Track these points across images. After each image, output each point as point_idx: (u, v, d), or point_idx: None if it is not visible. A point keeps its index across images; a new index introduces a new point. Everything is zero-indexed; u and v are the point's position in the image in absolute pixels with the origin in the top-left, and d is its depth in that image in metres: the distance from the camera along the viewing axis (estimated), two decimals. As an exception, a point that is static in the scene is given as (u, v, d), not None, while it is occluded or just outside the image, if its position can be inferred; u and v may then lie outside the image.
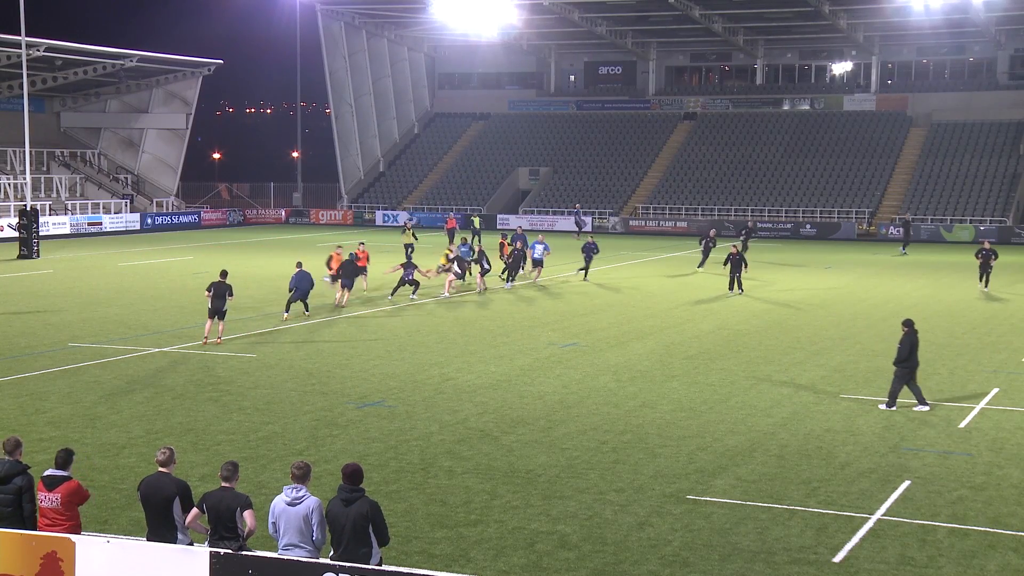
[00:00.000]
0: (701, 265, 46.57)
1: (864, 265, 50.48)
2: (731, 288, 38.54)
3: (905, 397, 22.34)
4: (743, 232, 54.69)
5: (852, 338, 29.53)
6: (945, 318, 33.42)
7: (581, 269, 43.13)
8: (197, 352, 26.67)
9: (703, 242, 47.31)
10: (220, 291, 27.16)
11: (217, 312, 27.27)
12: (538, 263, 41.34)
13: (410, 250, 46.19)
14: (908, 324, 21.51)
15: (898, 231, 67.48)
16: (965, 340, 29.36)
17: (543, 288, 39.93)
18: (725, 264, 39.39)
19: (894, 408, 21.04)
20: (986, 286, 40.19)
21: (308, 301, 31.91)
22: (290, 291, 31.74)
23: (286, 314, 31.74)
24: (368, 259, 38.15)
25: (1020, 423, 20.24)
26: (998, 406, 21.47)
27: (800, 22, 75.93)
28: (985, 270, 40.38)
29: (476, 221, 59.38)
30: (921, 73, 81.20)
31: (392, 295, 36.37)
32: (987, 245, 41.08)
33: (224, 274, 27.91)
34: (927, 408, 20.97)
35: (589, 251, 42.65)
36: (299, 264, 32.39)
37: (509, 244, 42.37)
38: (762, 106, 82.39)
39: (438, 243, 55.03)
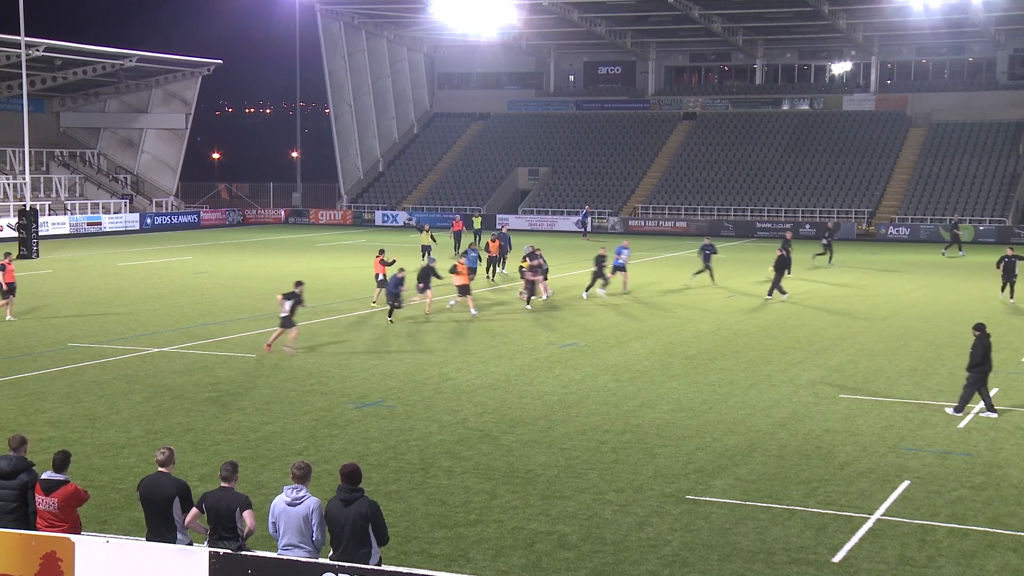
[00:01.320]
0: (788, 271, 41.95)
1: (863, 265, 50.47)
2: (776, 292, 36.82)
3: (906, 397, 22.36)
4: (826, 234, 51.52)
5: (852, 338, 29.53)
6: (944, 318, 33.41)
7: (698, 272, 41.11)
8: (197, 352, 26.67)
9: (783, 246, 41.22)
10: (293, 304, 26.43)
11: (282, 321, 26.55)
12: (620, 268, 38.91)
13: (428, 251, 45.88)
14: (980, 328, 20.98)
15: (900, 231, 67.65)
16: (965, 340, 29.26)
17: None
18: (774, 267, 37.67)
19: (960, 414, 20.56)
20: (1011, 296, 36.97)
21: (397, 304, 31.46)
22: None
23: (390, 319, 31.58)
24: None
25: (1020, 423, 20.25)
26: (998, 406, 21.44)
27: (800, 22, 75.93)
28: (1009, 279, 36.79)
29: (477, 222, 59.31)
30: (921, 73, 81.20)
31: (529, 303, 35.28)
32: (1011, 252, 37.53)
33: (298, 284, 27.15)
34: (995, 416, 20.49)
35: (707, 252, 40.87)
36: (401, 269, 32.09)
37: (493, 240, 42.94)
38: (761, 106, 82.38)
39: (446, 244, 54.96)
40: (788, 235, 47.12)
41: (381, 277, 34.63)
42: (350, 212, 79.76)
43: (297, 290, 26.73)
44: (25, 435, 12.12)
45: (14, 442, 11.90)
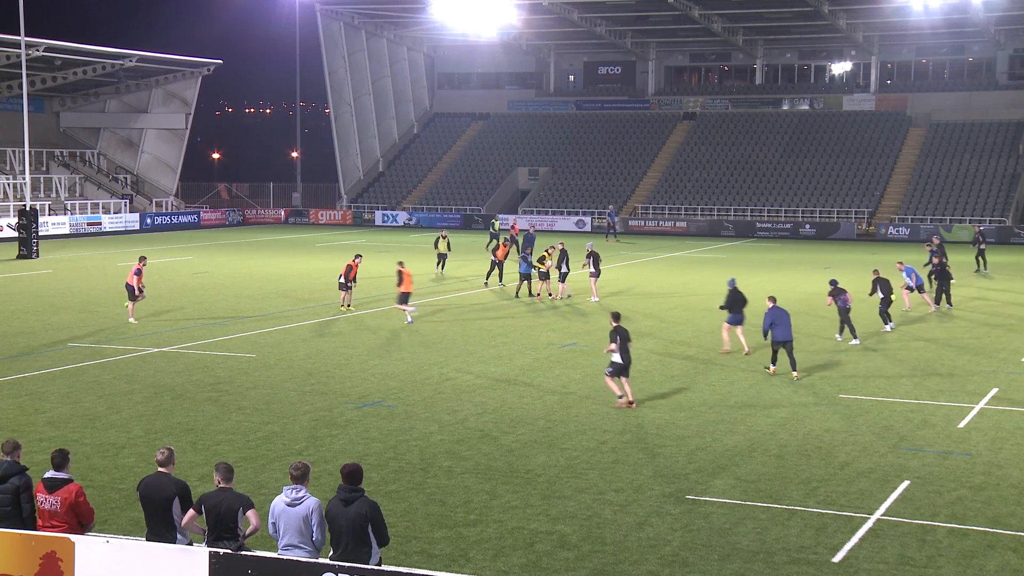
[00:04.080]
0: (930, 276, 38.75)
1: (863, 265, 50.36)
2: (937, 302, 34.47)
3: (906, 397, 22.37)
4: (978, 240, 47.80)
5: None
6: (944, 318, 33.39)
7: (942, 293, 35.13)
8: (197, 352, 26.67)
9: (931, 253, 37.49)
10: (622, 341, 21.20)
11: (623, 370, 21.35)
12: (919, 288, 33.97)
13: (443, 259, 45.07)
14: None
15: (900, 231, 67.62)
16: (965, 340, 29.34)
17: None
18: (930, 277, 35.37)
19: None
20: None
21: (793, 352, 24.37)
22: (765, 334, 24.27)
23: (771, 366, 24.63)
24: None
25: (1019, 423, 20.24)
26: (997, 406, 21.46)
27: (799, 22, 75.94)
28: None
29: (495, 225, 58.33)
30: (920, 73, 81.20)
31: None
32: None
33: (617, 316, 21.88)
34: None
35: (980, 246, 38.31)
36: (772, 299, 24.74)
37: (505, 244, 41.81)
38: (761, 106, 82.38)
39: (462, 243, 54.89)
40: (936, 239, 40.15)
41: (342, 280, 33.77)
42: (350, 212, 79.77)
43: (616, 324, 21.57)
44: (18, 440, 12.06)
45: (7, 447, 11.82)
